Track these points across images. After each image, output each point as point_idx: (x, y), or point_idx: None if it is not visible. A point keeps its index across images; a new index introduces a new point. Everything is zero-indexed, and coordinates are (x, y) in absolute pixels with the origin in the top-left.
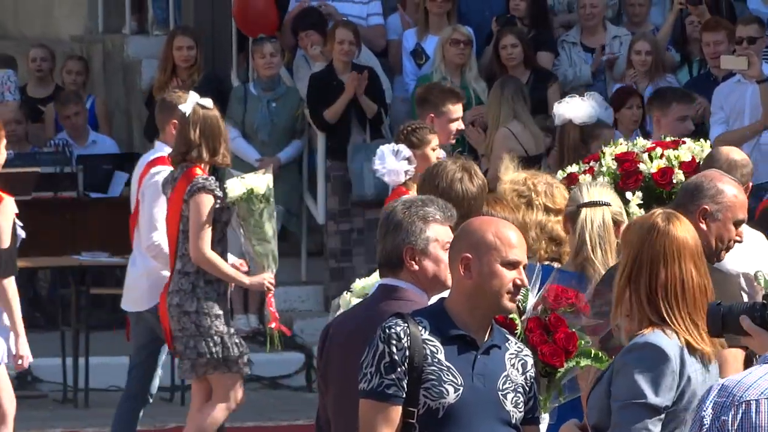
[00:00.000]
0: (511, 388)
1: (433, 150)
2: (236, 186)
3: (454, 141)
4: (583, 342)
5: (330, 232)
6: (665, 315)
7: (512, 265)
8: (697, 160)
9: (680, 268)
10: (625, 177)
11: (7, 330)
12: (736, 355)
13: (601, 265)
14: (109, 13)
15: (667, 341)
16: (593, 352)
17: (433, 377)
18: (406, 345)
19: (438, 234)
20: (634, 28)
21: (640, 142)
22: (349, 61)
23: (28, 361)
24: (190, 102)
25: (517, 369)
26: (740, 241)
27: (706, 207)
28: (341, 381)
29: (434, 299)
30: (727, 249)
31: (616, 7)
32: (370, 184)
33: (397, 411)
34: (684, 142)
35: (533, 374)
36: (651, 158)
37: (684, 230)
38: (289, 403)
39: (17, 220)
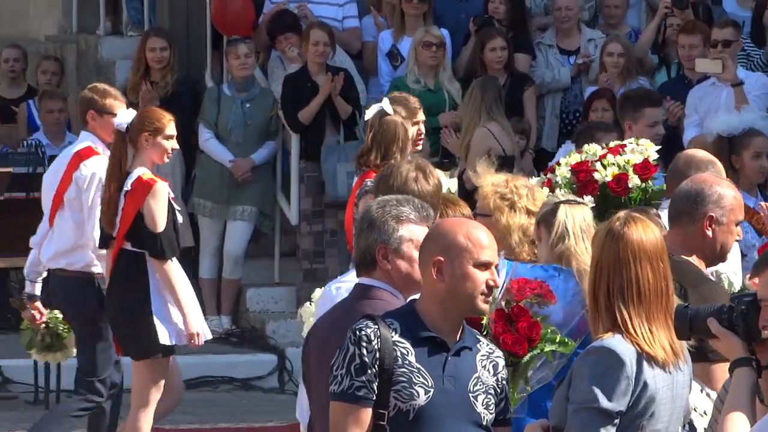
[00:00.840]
0: (482, 390)
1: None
2: None
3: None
4: (549, 331)
5: (303, 233)
6: (620, 321)
7: (484, 266)
8: (651, 160)
9: (636, 271)
10: (582, 187)
11: (178, 312)
12: (725, 369)
13: (584, 258)
14: (83, 13)
15: (624, 346)
16: (558, 338)
17: (404, 379)
18: (376, 347)
19: (412, 233)
20: (611, 30)
21: (592, 149)
22: (323, 62)
23: (203, 338)
24: (374, 108)
25: (488, 370)
26: (739, 240)
27: (713, 214)
28: (318, 382)
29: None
30: (729, 250)
31: (592, 9)
32: (343, 185)
33: (367, 413)
34: (626, 146)
35: (505, 375)
36: (604, 166)
37: (641, 232)
38: (261, 405)
39: (174, 204)
